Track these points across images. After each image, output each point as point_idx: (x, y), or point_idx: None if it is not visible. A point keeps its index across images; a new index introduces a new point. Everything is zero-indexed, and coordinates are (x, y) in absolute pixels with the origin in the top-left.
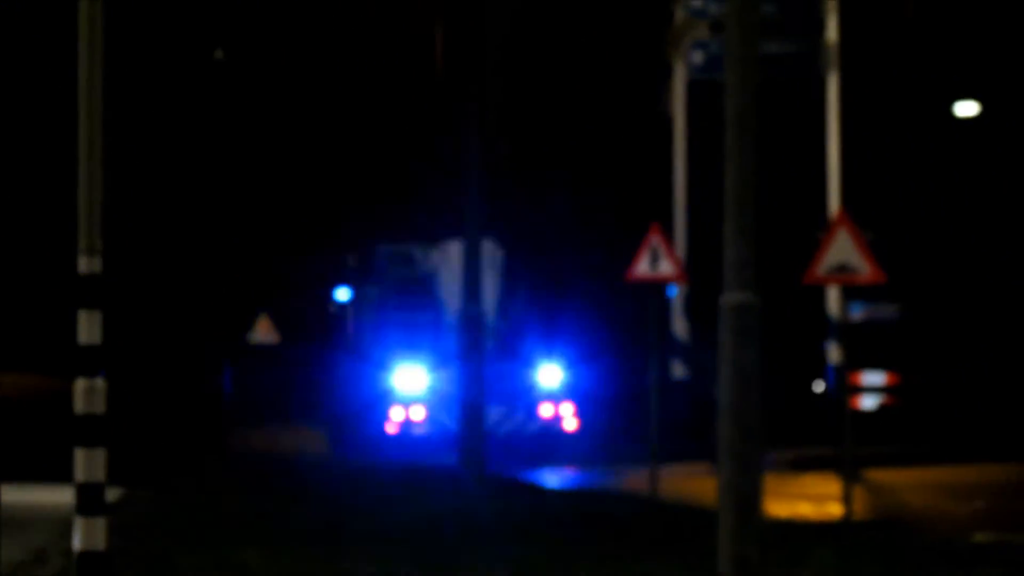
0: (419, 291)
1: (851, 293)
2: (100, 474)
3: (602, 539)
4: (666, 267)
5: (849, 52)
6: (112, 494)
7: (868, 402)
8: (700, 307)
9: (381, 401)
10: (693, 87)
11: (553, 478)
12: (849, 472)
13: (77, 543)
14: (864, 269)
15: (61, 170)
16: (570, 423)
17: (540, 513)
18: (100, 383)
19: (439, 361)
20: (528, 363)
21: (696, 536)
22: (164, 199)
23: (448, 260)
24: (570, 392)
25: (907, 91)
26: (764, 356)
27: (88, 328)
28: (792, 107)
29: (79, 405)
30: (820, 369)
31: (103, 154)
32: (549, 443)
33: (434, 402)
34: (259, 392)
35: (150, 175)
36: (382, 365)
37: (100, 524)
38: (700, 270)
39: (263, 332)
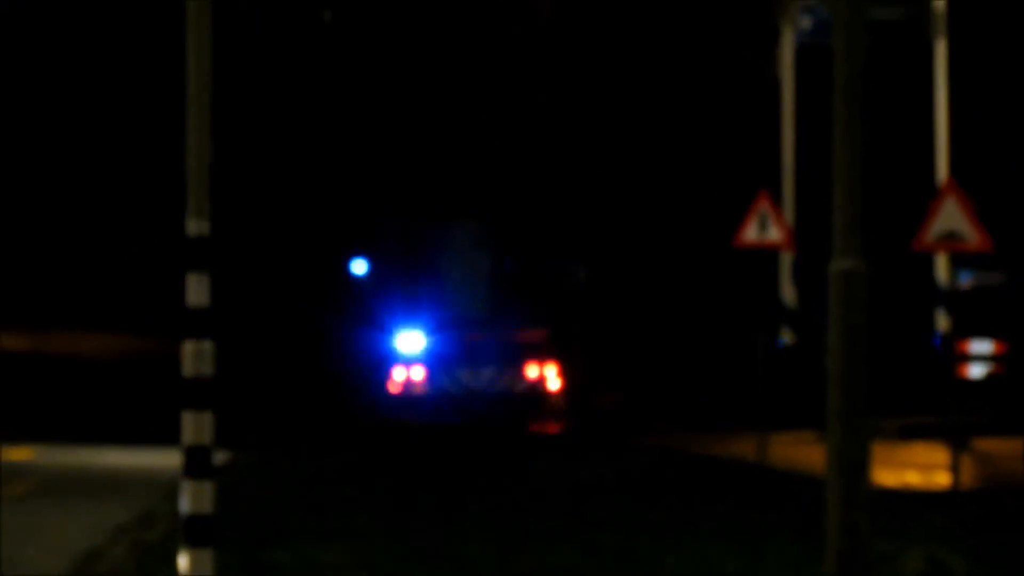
0: (423, 263)
1: (960, 261)
2: (207, 437)
3: (711, 502)
4: (774, 233)
5: (957, 17)
6: (219, 457)
7: (976, 371)
8: (809, 273)
9: (385, 362)
10: (802, 52)
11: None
12: (957, 441)
13: (184, 506)
14: (972, 237)
15: (169, 133)
16: (554, 383)
17: (658, 476)
18: (208, 346)
19: (437, 327)
20: (514, 329)
21: (803, 504)
22: (271, 162)
23: (452, 238)
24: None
25: (1015, 56)
26: (872, 323)
27: (196, 290)
28: (901, 73)
29: (187, 368)
30: (928, 337)
31: (211, 117)
32: (534, 401)
33: (433, 364)
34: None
35: (257, 138)
36: (387, 330)
37: (207, 487)
38: (809, 236)
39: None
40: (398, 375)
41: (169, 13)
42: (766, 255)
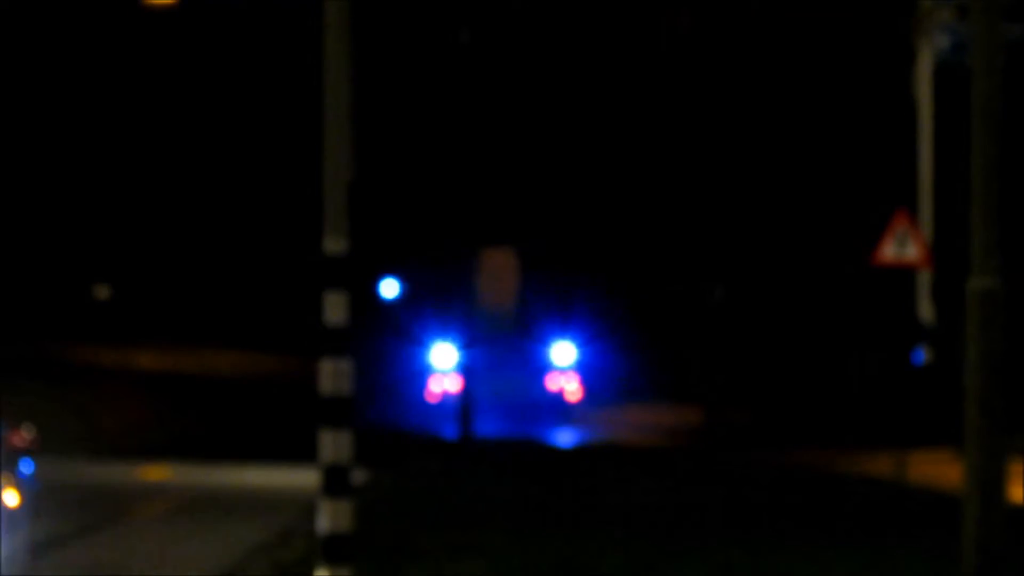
0: (457, 285)
1: None
2: (346, 456)
3: (845, 520)
4: (912, 251)
5: None
6: (358, 476)
7: None
8: (946, 292)
9: (421, 374)
10: (939, 71)
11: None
12: None
13: (322, 525)
14: None
15: (304, 153)
16: (574, 394)
17: (791, 493)
18: (346, 364)
19: (470, 342)
20: (542, 343)
21: (940, 521)
22: (407, 180)
23: (487, 263)
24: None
25: None
26: (1010, 341)
27: (335, 309)
28: None
29: (325, 386)
30: None
31: (350, 136)
32: (555, 410)
33: (467, 375)
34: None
35: (393, 156)
36: (423, 345)
37: (345, 506)
38: (946, 254)
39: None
40: (434, 385)
41: (310, 33)
42: (904, 274)
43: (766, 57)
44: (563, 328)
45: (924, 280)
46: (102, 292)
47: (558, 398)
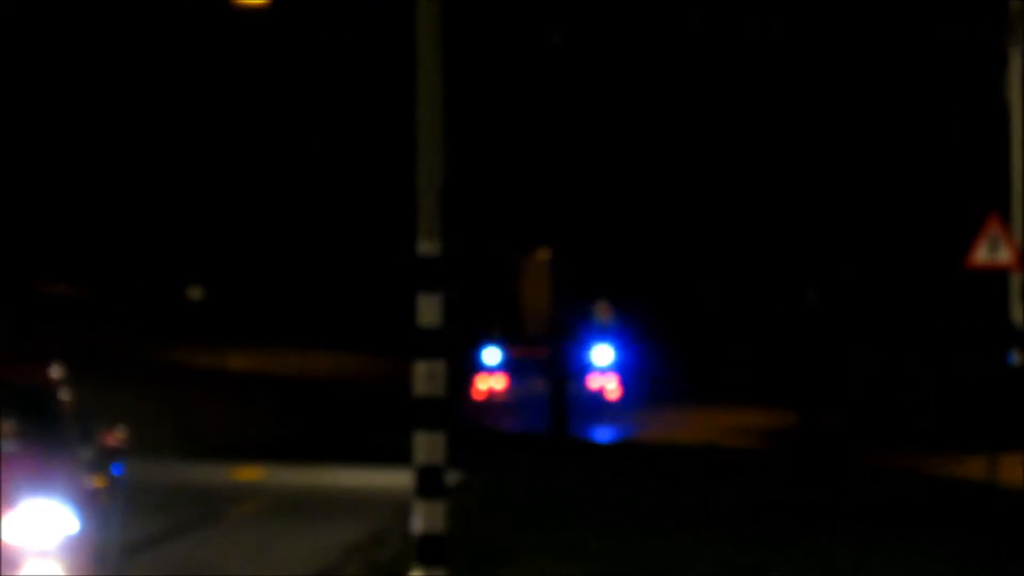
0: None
1: None
2: (440, 457)
3: (942, 524)
4: (1004, 255)
5: None
6: (451, 477)
7: None
8: None
9: (469, 372)
10: None
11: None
12: None
13: (416, 525)
14: None
15: (398, 155)
16: (613, 393)
17: (887, 496)
18: (440, 366)
19: (515, 342)
20: (582, 345)
21: None
22: (500, 182)
23: (532, 267)
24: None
25: None
26: None
27: (428, 311)
28: None
29: (419, 388)
30: None
31: (442, 139)
32: (596, 408)
33: (513, 374)
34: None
35: (483, 158)
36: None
37: (439, 507)
38: None
39: (603, 314)
40: (481, 383)
41: (402, 34)
42: (996, 277)
43: (860, 62)
44: (604, 331)
45: (1016, 283)
46: (196, 293)
47: (598, 397)
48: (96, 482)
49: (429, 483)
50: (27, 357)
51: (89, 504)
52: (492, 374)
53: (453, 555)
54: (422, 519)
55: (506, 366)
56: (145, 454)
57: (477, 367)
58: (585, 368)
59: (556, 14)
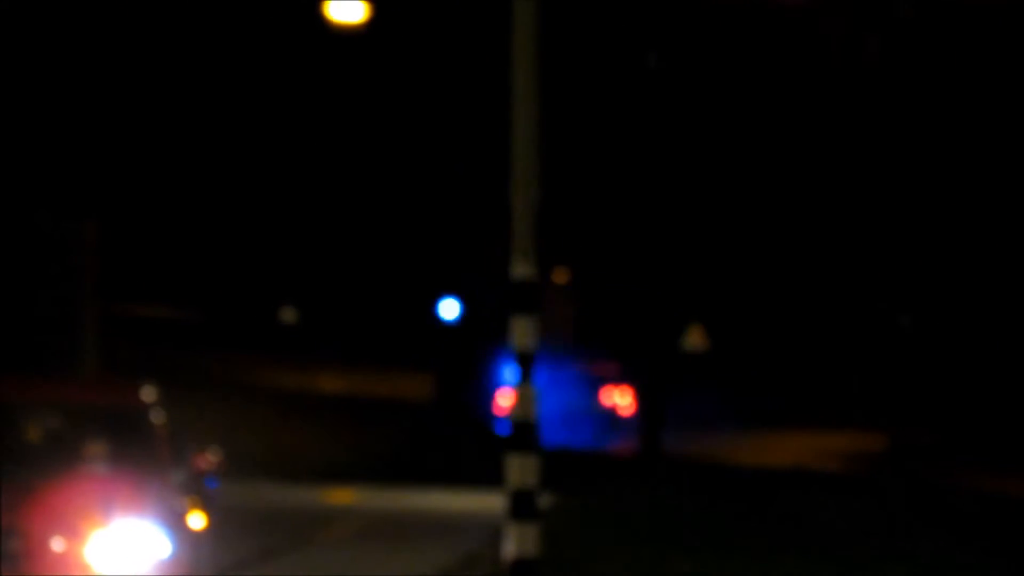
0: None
1: None
2: (533, 480)
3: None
4: None
5: None
6: (543, 500)
7: None
8: None
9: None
10: None
11: None
12: None
13: (508, 549)
14: None
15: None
16: (626, 409)
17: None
18: (533, 390)
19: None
20: (595, 360)
21: None
22: (599, 204)
23: (549, 292)
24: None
25: None
26: None
27: (522, 333)
28: None
29: (513, 411)
30: None
31: (537, 160)
32: (609, 424)
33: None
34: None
35: (580, 179)
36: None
37: (532, 530)
38: None
39: (696, 340)
40: (502, 399)
41: (499, 56)
42: None
43: (944, 82)
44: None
45: None
46: (289, 316)
47: (611, 413)
48: (188, 504)
49: (522, 506)
50: (120, 379)
51: (180, 526)
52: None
53: None
54: (515, 542)
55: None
56: (237, 476)
57: (499, 383)
58: (597, 383)
59: (652, 37)
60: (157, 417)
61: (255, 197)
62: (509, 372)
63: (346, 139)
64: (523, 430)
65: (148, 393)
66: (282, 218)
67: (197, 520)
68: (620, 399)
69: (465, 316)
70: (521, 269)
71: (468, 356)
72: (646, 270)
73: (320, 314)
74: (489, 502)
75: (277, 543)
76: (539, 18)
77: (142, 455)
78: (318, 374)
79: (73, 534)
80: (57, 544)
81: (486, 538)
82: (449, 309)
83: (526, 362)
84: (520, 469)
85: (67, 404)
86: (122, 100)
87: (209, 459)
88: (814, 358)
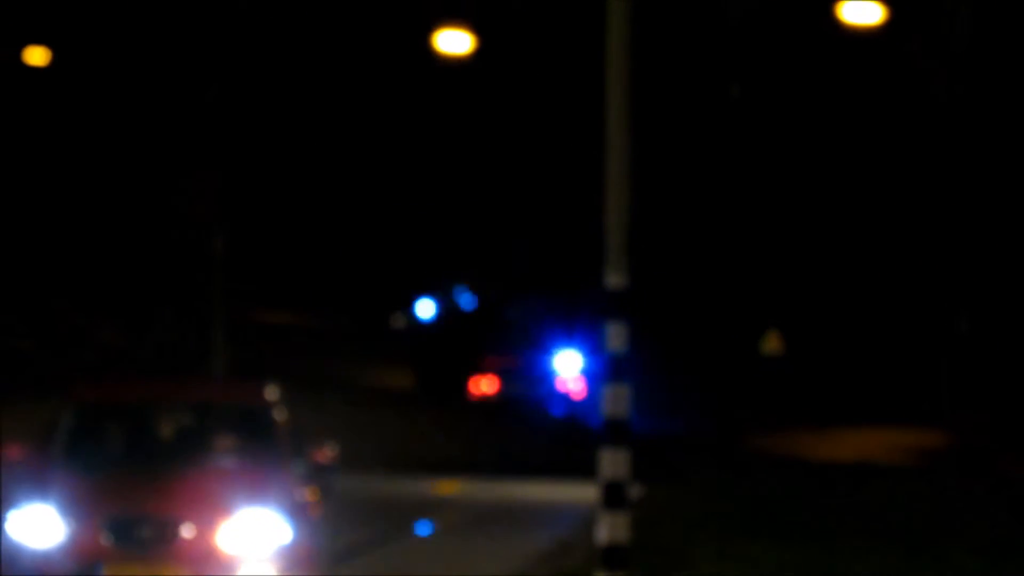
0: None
1: None
2: (624, 472)
3: None
4: None
5: None
6: (634, 491)
7: None
8: None
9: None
10: None
11: None
12: None
13: (601, 536)
14: None
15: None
16: (579, 393)
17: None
18: (625, 389)
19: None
20: (551, 353)
21: None
22: (686, 220)
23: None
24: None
25: None
26: None
27: (616, 338)
28: None
29: (606, 408)
30: None
31: (630, 177)
32: (562, 405)
33: (504, 377)
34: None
35: (670, 198)
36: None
37: (622, 519)
38: None
39: (773, 344)
40: (474, 386)
41: (592, 75)
42: None
43: (1004, 94)
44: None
45: None
46: (400, 322)
47: (565, 397)
48: (308, 494)
49: (613, 496)
50: (245, 379)
51: (301, 514)
52: (486, 376)
53: (634, 562)
54: (606, 530)
55: (498, 371)
56: (352, 469)
57: (474, 371)
58: (553, 374)
59: (734, 67)
60: (279, 414)
61: (371, 213)
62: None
63: (457, 159)
64: (615, 426)
65: (271, 392)
66: (394, 231)
67: (316, 509)
68: (574, 384)
69: (440, 315)
70: (614, 279)
71: (446, 351)
72: (727, 279)
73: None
74: (587, 492)
75: (389, 530)
76: (630, 47)
77: (266, 449)
78: None
79: (203, 522)
80: (188, 531)
81: (580, 526)
82: (425, 309)
83: (619, 363)
84: (612, 462)
85: (198, 403)
86: (251, 122)
87: (327, 453)
88: (883, 359)
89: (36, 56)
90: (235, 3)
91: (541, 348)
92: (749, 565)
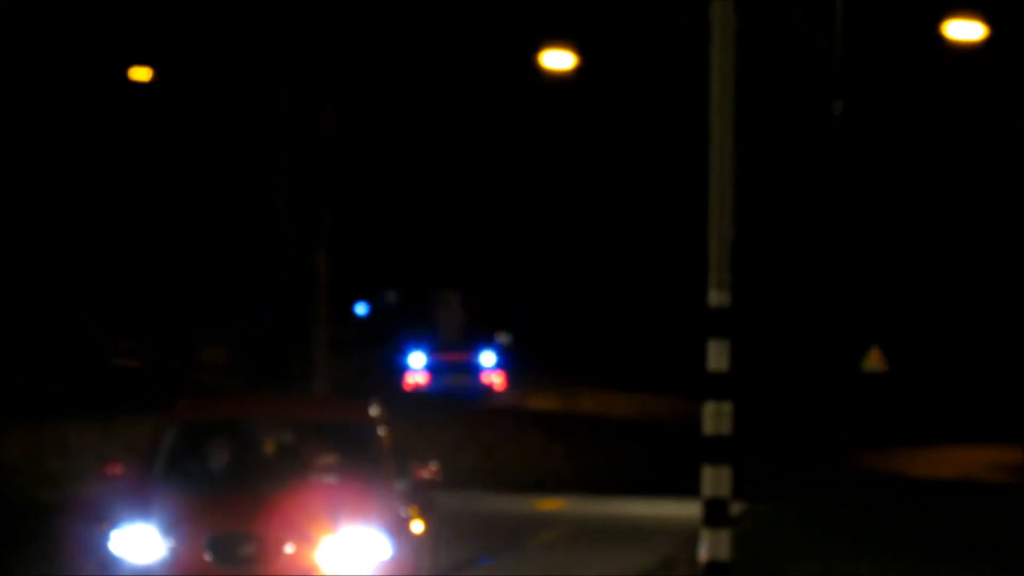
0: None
1: None
2: (725, 490)
3: None
4: None
5: None
6: (735, 508)
7: None
8: None
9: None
10: None
11: None
12: None
13: (702, 553)
14: None
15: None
16: (500, 386)
17: None
18: (727, 406)
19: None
20: (478, 351)
21: None
22: (787, 237)
23: (446, 302)
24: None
25: None
26: None
27: (717, 356)
28: None
29: (708, 426)
30: None
31: (733, 195)
32: (487, 396)
33: (433, 374)
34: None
35: (771, 215)
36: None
37: (724, 536)
38: None
39: (875, 361)
40: (409, 380)
41: (694, 95)
42: None
43: None
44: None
45: None
46: (504, 339)
47: (488, 389)
48: (410, 512)
49: (715, 514)
50: (348, 397)
51: (403, 531)
52: (417, 373)
53: None
54: (708, 547)
55: (429, 367)
56: (455, 486)
57: (406, 368)
58: (479, 367)
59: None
60: (382, 432)
61: (469, 229)
62: (414, 359)
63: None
64: (717, 443)
65: (374, 410)
66: (490, 248)
67: (418, 526)
68: (495, 378)
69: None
70: (717, 298)
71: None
72: (829, 297)
73: (530, 337)
74: (689, 509)
75: (491, 546)
76: (735, 63)
77: (368, 466)
78: (529, 394)
79: (304, 539)
80: (289, 548)
81: (683, 543)
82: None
83: (720, 382)
84: (714, 480)
85: (300, 420)
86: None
87: (429, 470)
88: (986, 376)
89: (140, 74)
90: (344, 24)
91: (468, 345)
92: None
